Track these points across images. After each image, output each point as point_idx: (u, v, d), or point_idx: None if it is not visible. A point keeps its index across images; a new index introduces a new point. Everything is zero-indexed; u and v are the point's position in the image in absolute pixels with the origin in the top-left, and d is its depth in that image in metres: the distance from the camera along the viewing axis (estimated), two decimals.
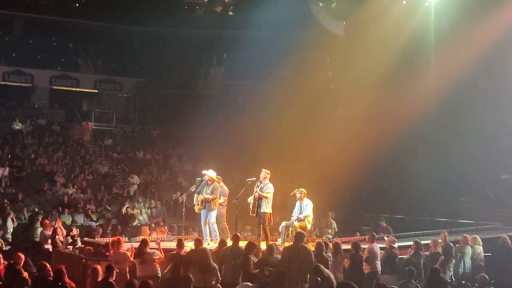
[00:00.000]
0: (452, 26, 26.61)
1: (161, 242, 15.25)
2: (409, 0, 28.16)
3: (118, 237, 15.28)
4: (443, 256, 15.53)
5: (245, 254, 13.29)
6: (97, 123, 36.68)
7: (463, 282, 14.23)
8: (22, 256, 12.95)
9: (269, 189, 16.29)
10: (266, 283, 12.66)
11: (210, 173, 16.60)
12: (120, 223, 24.77)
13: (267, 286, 12.61)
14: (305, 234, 14.39)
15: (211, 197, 16.19)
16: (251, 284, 11.23)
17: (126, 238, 18.01)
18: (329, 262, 13.74)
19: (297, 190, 16.76)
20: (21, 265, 12.61)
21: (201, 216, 16.51)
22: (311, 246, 14.23)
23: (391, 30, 27.87)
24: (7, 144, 30.94)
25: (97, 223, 24.95)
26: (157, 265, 13.78)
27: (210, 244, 15.73)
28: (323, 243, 14.22)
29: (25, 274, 12.13)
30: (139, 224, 25.20)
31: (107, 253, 14.51)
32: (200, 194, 16.34)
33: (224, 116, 36.27)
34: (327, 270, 11.69)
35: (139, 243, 14.41)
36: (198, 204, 16.36)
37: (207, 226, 16.43)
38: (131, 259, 13.92)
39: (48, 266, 11.64)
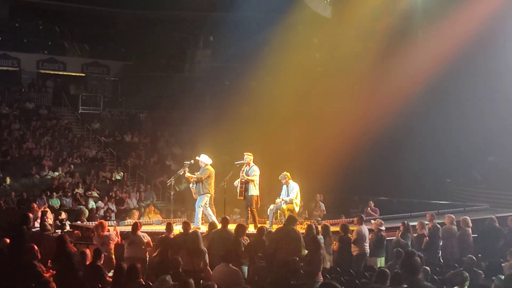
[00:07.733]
0: (441, 5, 26.55)
1: (149, 225, 15.32)
2: None
3: (101, 220, 15.41)
4: (427, 238, 15.60)
5: (235, 237, 13.29)
6: (85, 106, 36.48)
7: (451, 263, 14.30)
8: (8, 241, 12.99)
9: (254, 172, 16.41)
10: (256, 266, 12.78)
11: (202, 159, 16.65)
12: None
13: (257, 269, 12.72)
14: (297, 218, 14.43)
15: (195, 177, 16.30)
16: (231, 266, 11.29)
17: (115, 222, 18.04)
18: (322, 245, 13.70)
19: (280, 176, 16.75)
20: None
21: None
22: (300, 229, 14.26)
23: (378, 11, 27.77)
24: None
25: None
26: (146, 249, 13.80)
27: (201, 228, 15.74)
28: (314, 226, 14.25)
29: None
30: (128, 208, 25.15)
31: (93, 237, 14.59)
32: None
33: (211, 98, 36.16)
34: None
35: (132, 225, 14.47)
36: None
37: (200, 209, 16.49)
38: (116, 238, 14.00)
39: (36, 248, 11.68)
